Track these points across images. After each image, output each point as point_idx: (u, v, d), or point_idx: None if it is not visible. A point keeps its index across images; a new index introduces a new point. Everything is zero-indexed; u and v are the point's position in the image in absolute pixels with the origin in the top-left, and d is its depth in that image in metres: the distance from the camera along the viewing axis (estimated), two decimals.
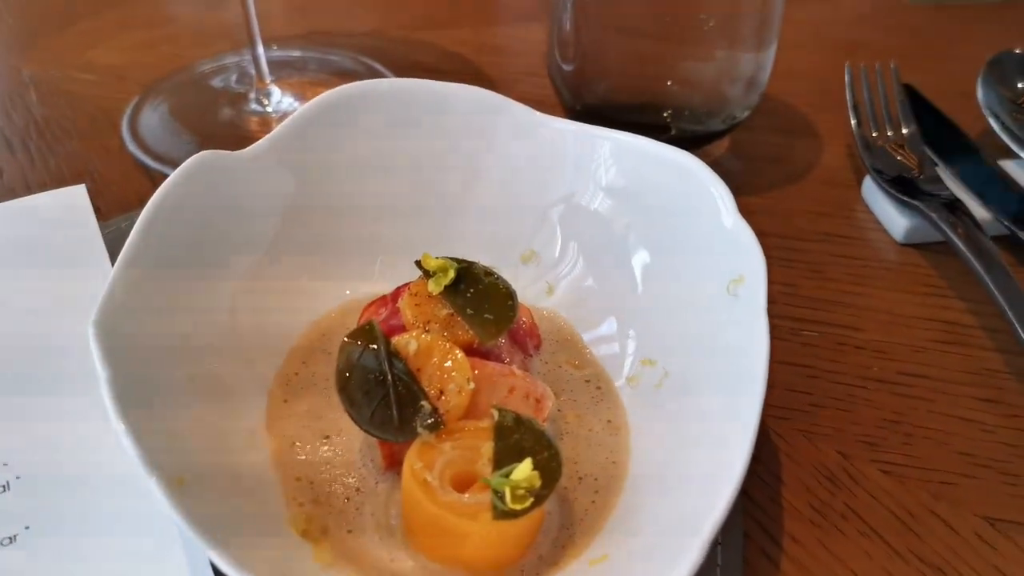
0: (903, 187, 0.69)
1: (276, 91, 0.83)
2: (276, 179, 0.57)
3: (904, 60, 0.81)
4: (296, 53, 0.92)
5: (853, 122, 0.76)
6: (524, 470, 0.41)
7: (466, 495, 0.42)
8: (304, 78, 0.87)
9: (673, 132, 0.74)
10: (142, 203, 0.51)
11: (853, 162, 0.78)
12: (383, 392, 0.46)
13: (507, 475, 0.42)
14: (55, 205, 0.67)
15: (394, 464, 0.47)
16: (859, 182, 0.75)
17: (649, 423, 0.51)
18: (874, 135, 0.75)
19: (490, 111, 0.59)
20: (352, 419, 0.45)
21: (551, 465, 0.43)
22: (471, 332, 0.49)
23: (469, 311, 0.49)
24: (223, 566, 0.37)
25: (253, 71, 0.82)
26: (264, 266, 0.56)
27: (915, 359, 0.59)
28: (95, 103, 0.84)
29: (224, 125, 0.80)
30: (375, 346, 0.47)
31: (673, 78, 0.72)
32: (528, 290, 0.58)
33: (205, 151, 0.53)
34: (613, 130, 0.57)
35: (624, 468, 0.49)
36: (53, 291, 0.59)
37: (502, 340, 0.51)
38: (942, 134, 0.75)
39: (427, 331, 0.49)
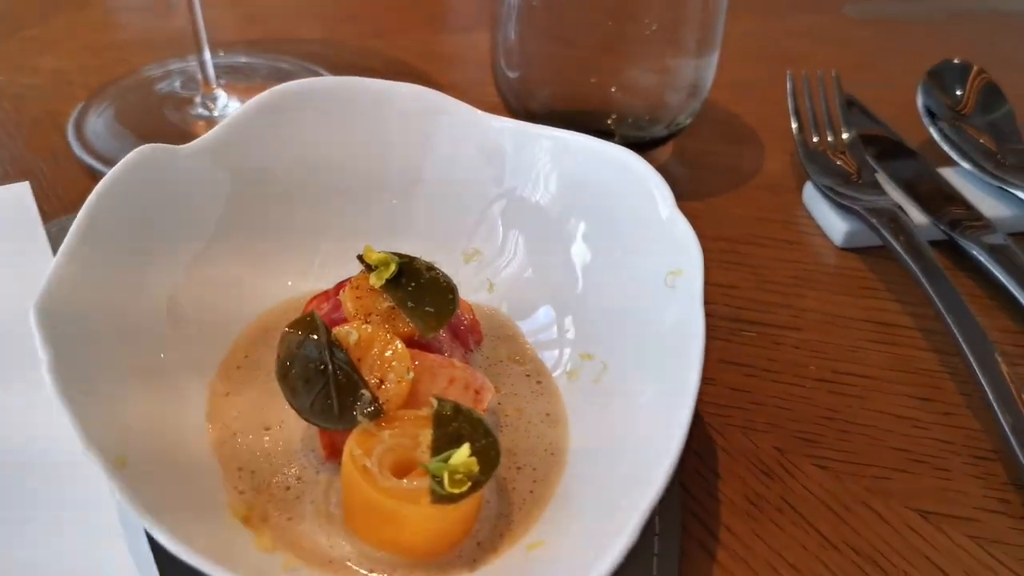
0: (843, 192, 0.70)
1: (223, 95, 0.83)
2: (215, 174, 0.57)
3: (847, 73, 0.82)
4: (244, 59, 0.92)
5: (794, 127, 0.77)
6: (462, 455, 0.42)
7: (404, 480, 0.43)
8: (251, 83, 0.87)
9: (616, 138, 0.74)
10: None
11: (795, 170, 0.79)
12: (323, 381, 0.46)
13: (446, 460, 0.42)
14: None
15: (335, 454, 0.47)
16: (800, 189, 0.76)
17: (587, 415, 0.51)
18: (815, 141, 0.76)
19: (431, 108, 0.60)
20: (293, 408, 0.46)
21: (489, 452, 0.43)
22: (411, 325, 0.49)
23: (410, 304, 0.50)
24: (168, 544, 0.37)
25: (200, 76, 0.82)
26: (205, 258, 0.56)
27: (852, 358, 0.60)
28: (41, 106, 0.84)
29: (170, 128, 0.80)
30: (316, 336, 0.47)
31: (616, 84, 0.73)
32: (469, 285, 0.58)
33: (147, 145, 0.53)
34: (552, 128, 0.58)
35: (562, 458, 0.49)
36: None
37: (443, 334, 0.51)
38: (883, 143, 0.77)
39: (368, 323, 0.49)
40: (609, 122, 0.74)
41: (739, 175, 0.79)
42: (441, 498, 0.41)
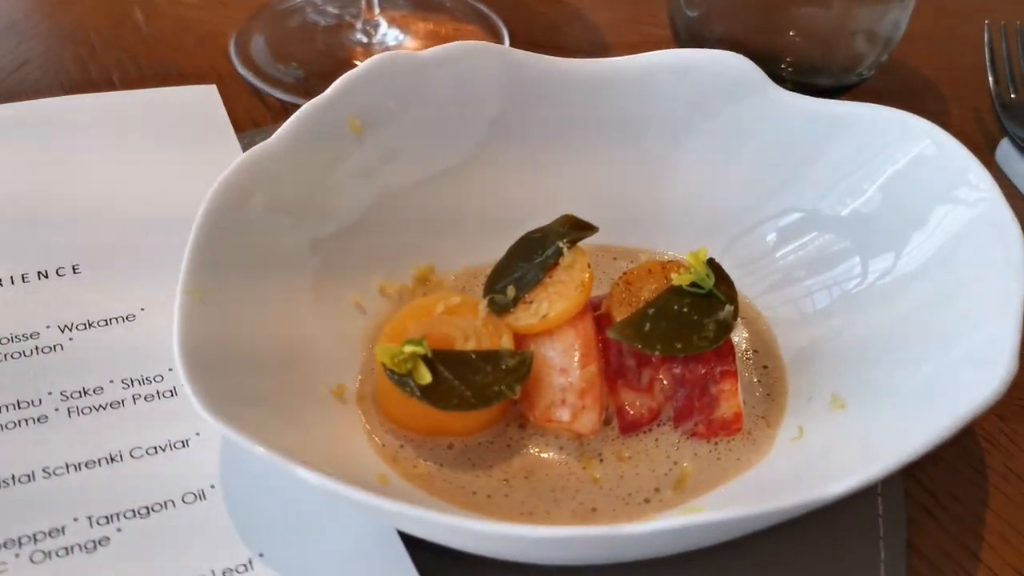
0: None
1: (383, 23, 0.80)
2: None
3: None
4: None
5: (990, 80, 0.73)
6: (413, 349, 0.44)
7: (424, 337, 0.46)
8: (412, 12, 0.84)
9: (789, 84, 0.71)
10: (255, 124, 0.59)
11: (982, 126, 0.75)
12: (523, 265, 0.50)
13: (414, 344, 0.45)
14: (187, 98, 0.66)
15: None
16: (991, 146, 0.72)
17: None
18: (1012, 97, 0.72)
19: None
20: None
21: (454, 392, 0.45)
22: (619, 320, 0.48)
23: (652, 321, 0.47)
24: None
25: (363, 1, 0.80)
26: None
27: None
28: (201, 27, 0.82)
29: (328, 53, 0.79)
30: (560, 235, 0.50)
31: (802, 29, 0.70)
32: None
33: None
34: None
35: None
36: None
37: (672, 372, 0.48)
38: None
39: (622, 288, 0.50)
40: (783, 66, 0.71)
41: None
42: (384, 367, 0.45)
